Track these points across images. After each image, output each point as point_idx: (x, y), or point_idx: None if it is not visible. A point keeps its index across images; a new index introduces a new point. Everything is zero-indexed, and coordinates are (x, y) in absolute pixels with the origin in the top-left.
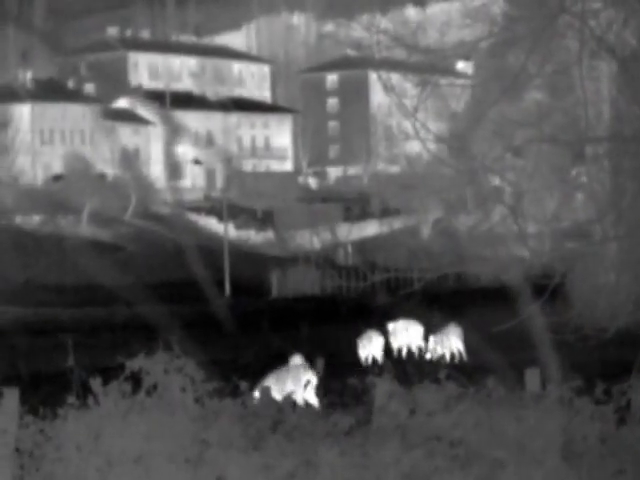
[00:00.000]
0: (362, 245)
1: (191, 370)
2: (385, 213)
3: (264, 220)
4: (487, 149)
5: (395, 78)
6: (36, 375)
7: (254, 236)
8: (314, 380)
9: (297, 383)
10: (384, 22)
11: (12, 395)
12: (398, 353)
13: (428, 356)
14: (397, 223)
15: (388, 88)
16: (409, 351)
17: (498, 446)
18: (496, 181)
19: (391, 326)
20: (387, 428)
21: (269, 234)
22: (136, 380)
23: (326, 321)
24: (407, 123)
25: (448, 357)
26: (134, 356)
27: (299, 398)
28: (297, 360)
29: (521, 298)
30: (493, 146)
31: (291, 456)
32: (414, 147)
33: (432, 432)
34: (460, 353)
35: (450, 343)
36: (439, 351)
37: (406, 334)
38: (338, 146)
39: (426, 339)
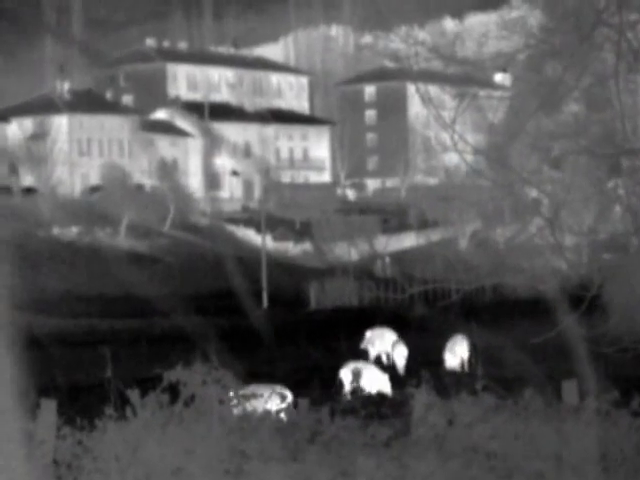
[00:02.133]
0: (400, 257)
1: (229, 381)
2: (423, 225)
3: (302, 231)
4: (525, 161)
5: (433, 90)
6: (74, 386)
7: (292, 247)
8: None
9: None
10: (422, 34)
11: (50, 406)
12: (377, 360)
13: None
14: (435, 235)
15: (426, 100)
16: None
17: (536, 458)
18: (533, 193)
19: (368, 333)
20: (425, 439)
21: (307, 245)
22: (174, 391)
23: (364, 333)
24: (445, 135)
25: (456, 366)
26: (172, 367)
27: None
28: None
29: (558, 310)
30: (530, 158)
31: (329, 467)
32: (452, 159)
33: (470, 443)
34: (464, 363)
35: (459, 352)
36: (451, 358)
37: (381, 342)
38: (376, 158)
39: (475, 351)
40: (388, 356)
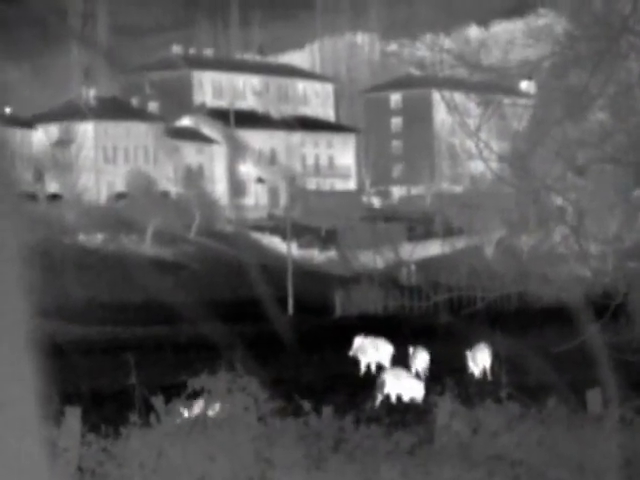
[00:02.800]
0: (425, 264)
1: (254, 389)
2: (448, 232)
3: (327, 239)
4: (549, 169)
5: (458, 97)
6: (98, 394)
7: (317, 255)
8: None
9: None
10: (447, 41)
11: (74, 414)
12: (367, 369)
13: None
14: (460, 242)
15: (451, 107)
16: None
17: (559, 466)
18: (558, 201)
19: (358, 341)
20: (449, 447)
21: (332, 253)
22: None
23: (389, 340)
24: (470, 142)
25: (478, 374)
26: (196, 375)
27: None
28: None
29: (582, 318)
30: (555, 166)
31: (353, 475)
32: (477, 166)
33: (494, 452)
34: (485, 371)
35: (481, 360)
36: (472, 366)
37: (375, 352)
38: (401, 165)
39: (497, 359)
40: (380, 366)
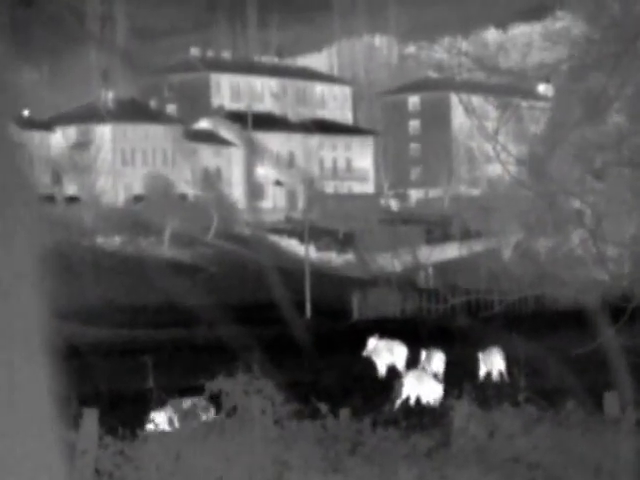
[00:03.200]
0: (443, 267)
1: (271, 392)
2: (466, 235)
3: (345, 242)
4: (567, 172)
5: (476, 100)
6: (116, 396)
7: (335, 258)
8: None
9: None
10: (465, 44)
11: (91, 416)
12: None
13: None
14: (478, 245)
15: (469, 110)
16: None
17: (576, 469)
18: (576, 204)
19: (372, 342)
20: (466, 450)
21: (350, 256)
22: (216, 401)
23: (407, 343)
24: (488, 145)
25: (492, 376)
26: (214, 377)
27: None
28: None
29: (599, 321)
30: (573, 169)
31: (370, 478)
32: (496, 169)
33: (511, 454)
34: (501, 373)
35: (493, 362)
36: (483, 369)
37: (389, 355)
38: (419, 168)
39: (514, 362)
40: (393, 369)
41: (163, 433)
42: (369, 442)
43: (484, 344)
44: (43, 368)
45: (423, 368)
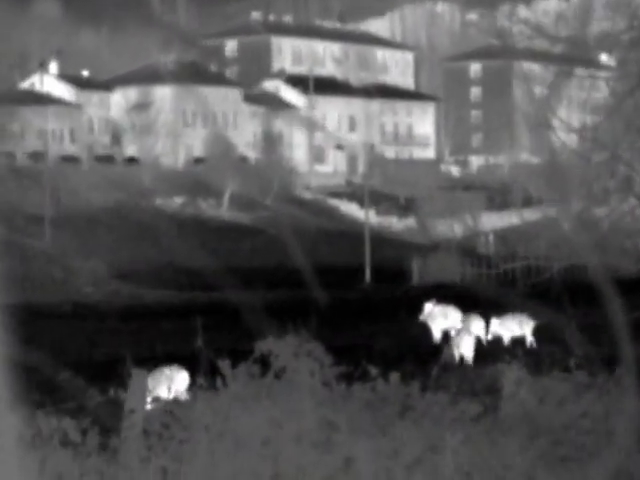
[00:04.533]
0: (503, 234)
1: (321, 355)
2: (527, 203)
3: (406, 207)
4: (620, 140)
5: (537, 68)
6: (168, 356)
7: (396, 223)
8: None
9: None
10: (526, 12)
11: (141, 376)
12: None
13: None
14: (538, 213)
15: (522, 78)
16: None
17: (627, 435)
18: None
19: (428, 307)
20: (515, 416)
21: (411, 221)
22: (265, 363)
23: (463, 309)
24: (549, 114)
25: (506, 341)
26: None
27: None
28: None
29: None
30: (625, 137)
31: (418, 442)
32: (559, 137)
33: (560, 421)
34: (524, 339)
35: (515, 328)
36: (500, 333)
37: (444, 320)
38: (480, 135)
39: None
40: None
41: (212, 393)
42: (418, 406)
43: (535, 310)
44: None
45: (464, 331)
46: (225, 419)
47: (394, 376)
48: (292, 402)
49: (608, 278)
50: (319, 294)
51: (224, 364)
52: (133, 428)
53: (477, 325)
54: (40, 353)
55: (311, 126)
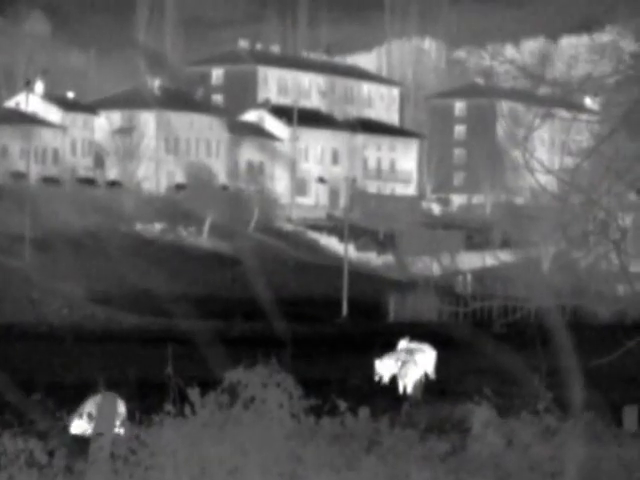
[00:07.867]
0: (482, 274)
1: (290, 386)
2: (506, 243)
3: (385, 243)
4: (597, 183)
5: (520, 109)
6: (137, 382)
7: (375, 258)
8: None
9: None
10: (514, 53)
11: (111, 400)
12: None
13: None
14: (518, 254)
15: (502, 117)
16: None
17: None
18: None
19: (402, 344)
20: (482, 456)
21: (389, 257)
22: (234, 393)
23: (439, 347)
24: (532, 155)
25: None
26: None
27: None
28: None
29: (626, 334)
30: (604, 180)
31: (383, 478)
32: (540, 179)
33: (527, 463)
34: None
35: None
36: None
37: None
38: (463, 173)
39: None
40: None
41: (180, 420)
42: (385, 442)
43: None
44: None
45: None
46: (192, 445)
47: (363, 411)
48: (259, 432)
49: (562, 323)
50: (281, 328)
51: (193, 392)
52: (100, 451)
53: (428, 356)
54: (9, 374)
55: (293, 159)
